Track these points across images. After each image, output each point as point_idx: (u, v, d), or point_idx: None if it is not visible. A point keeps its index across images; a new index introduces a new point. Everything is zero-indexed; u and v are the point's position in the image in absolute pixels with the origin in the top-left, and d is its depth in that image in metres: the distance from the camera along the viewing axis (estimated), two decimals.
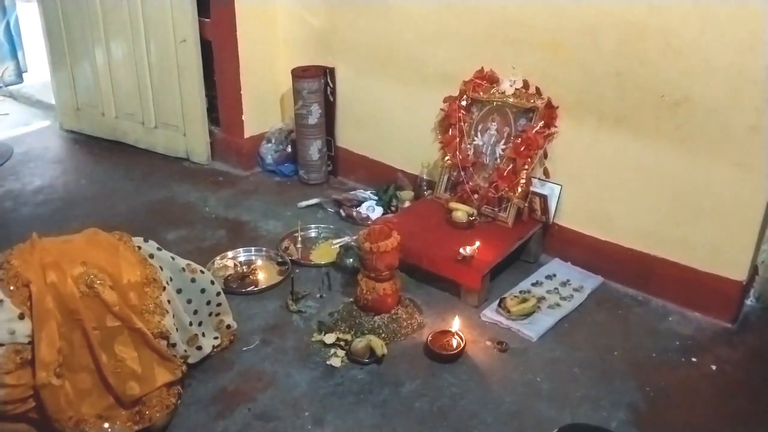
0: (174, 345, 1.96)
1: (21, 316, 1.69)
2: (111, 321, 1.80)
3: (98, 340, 1.79)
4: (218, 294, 2.17)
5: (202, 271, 2.11)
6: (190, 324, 2.06)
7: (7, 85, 4.68)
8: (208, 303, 2.14)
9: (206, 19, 3.41)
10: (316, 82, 3.32)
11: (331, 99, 3.40)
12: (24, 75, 4.72)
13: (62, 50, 3.90)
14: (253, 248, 2.85)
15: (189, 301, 2.07)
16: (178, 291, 2.03)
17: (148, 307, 1.87)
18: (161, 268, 1.97)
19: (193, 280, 2.07)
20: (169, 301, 1.95)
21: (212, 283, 2.14)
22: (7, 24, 4.54)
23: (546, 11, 2.53)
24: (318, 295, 2.55)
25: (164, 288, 1.93)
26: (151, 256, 1.97)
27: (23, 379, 1.69)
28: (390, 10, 3.02)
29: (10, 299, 1.69)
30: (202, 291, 2.10)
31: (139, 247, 1.96)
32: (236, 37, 3.34)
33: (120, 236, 1.97)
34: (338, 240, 2.87)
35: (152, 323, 1.87)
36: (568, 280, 2.62)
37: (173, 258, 2.06)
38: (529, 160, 2.62)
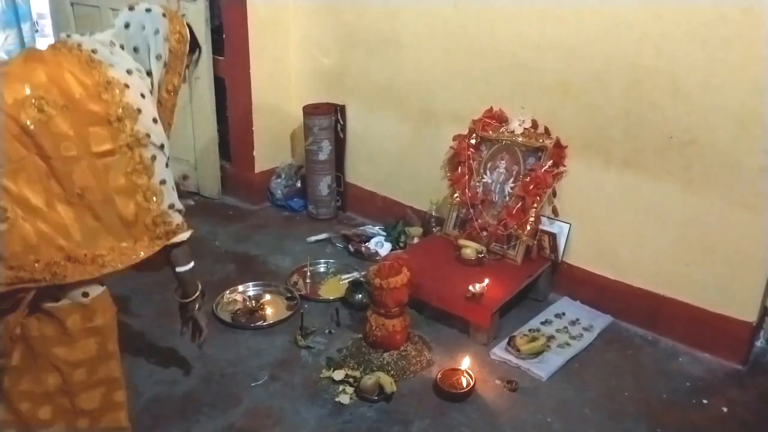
0: (161, 147, 1.77)
1: None
2: (66, 150, 1.62)
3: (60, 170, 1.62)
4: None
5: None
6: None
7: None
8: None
9: (220, 57, 3.47)
10: (327, 119, 3.37)
11: (342, 135, 3.45)
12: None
13: None
14: (262, 283, 2.86)
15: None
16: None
17: (115, 114, 1.67)
18: (112, 63, 1.73)
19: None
20: (143, 95, 1.75)
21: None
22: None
23: (555, 54, 2.57)
24: (327, 331, 2.55)
25: (126, 86, 1.71)
26: (95, 51, 1.72)
27: None
28: (401, 51, 3.08)
29: None
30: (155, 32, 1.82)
31: (80, 45, 1.72)
32: (249, 74, 3.41)
33: (57, 45, 1.73)
34: (347, 275, 2.89)
35: (124, 133, 1.69)
36: (577, 319, 2.61)
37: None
38: (538, 198, 2.64)
